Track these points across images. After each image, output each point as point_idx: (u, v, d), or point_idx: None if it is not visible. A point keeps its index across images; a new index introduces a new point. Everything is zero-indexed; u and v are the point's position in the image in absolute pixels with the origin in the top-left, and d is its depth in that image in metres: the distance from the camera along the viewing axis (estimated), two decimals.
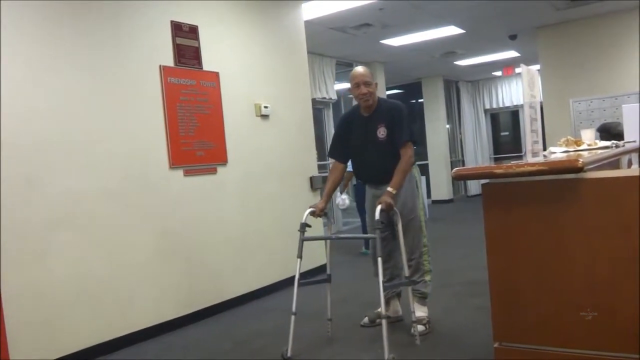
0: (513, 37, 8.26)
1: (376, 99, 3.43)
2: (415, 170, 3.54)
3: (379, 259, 3.05)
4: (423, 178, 9.73)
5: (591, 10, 7.11)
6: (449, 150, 11.86)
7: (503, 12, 6.84)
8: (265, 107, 4.98)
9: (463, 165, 12.28)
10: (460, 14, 6.77)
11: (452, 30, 7.54)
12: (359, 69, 3.46)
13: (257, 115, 4.93)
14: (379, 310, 3.59)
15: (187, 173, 4.22)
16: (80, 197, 3.51)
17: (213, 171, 4.44)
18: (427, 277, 3.52)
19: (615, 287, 1.93)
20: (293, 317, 3.14)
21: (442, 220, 9.13)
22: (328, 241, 3.58)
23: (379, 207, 3.15)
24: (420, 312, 3.47)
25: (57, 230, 3.37)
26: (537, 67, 7.92)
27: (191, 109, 4.27)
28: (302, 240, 3.25)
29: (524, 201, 2.10)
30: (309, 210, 3.34)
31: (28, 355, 3.17)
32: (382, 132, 3.37)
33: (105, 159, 3.67)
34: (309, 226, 3.28)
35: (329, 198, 3.47)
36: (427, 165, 11.75)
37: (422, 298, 3.52)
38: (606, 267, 1.94)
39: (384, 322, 2.95)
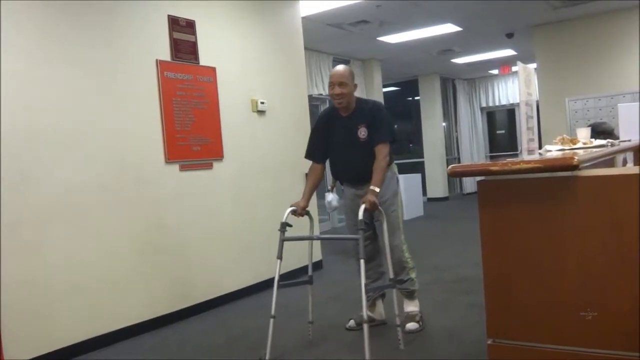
0: (510, 36, 8.27)
1: (353, 99, 3.34)
2: (395, 169, 3.48)
3: (362, 261, 2.94)
4: (419, 175, 9.81)
5: (588, 9, 7.13)
6: (445, 148, 11.88)
7: (500, 10, 6.85)
8: (262, 102, 4.97)
9: (459, 163, 12.31)
10: (457, 11, 6.78)
11: (449, 28, 7.54)
12: (338, 68, 3.35)
13: (253, 111, 4.93)
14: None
15: (183, 168, 4.21)
16: (75, 190, 3.50)
17: (209, 166, 4.44)
18: (413, 274, 3.44)
19: (609, 284, 1.94)
20: (272, 320, 3.03)
21: (437, 218, 9.15)
22: (311, 241, 3.44)
23: (362, 207, 3.04)
24: (412, 306, 3.43)
25: (52, 223, 3.37)
26: (534, 65, 7.94)
27: (187, 103, 4.26)
28: (283, 240, 3.13)
29: (519, 198, 2.10)
30: (289, 209, 3.25)
31: (22, 347, 3.16)
32: (363, 133, 3.29)
33: (100, 153, 3.66)
34: (290, 225, 3.17)
35: (309, 197, 3.37)
36: (422, 162, 11.77)
37: (411, 294, 3.47)
38: (600, 265, 1.95)
39: (365, 326, 2.84)
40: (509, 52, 9.67)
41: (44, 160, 3.35)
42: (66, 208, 3.45)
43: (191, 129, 4.28)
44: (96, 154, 3.64)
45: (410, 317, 3.35)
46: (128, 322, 3.75)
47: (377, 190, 3.14)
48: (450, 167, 2.22)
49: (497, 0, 6.37)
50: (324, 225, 8.42)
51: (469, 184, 12.17)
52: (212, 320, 4.07)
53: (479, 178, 2.22)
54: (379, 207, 3.14)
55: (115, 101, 3.78)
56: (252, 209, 4.84)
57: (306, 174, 5.45)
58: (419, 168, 11.58)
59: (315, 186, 3.48)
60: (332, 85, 3.28)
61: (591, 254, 1.96)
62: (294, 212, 3.26)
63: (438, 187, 11.67)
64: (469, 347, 3.06)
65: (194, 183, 4.30)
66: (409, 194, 9.10)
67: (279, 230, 3.14)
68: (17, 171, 3.22)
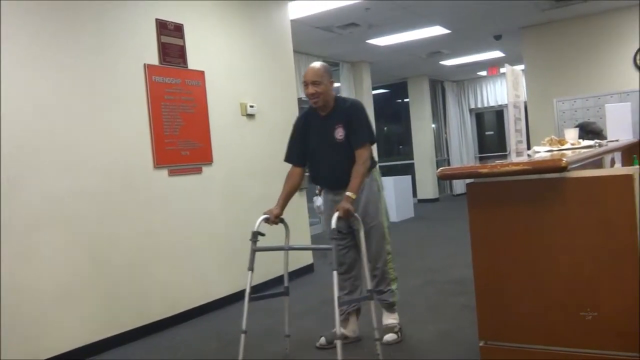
0: (498, 38, 8.32)
1: (330, 98, 3.17)
2: (377, 173, 3.30)
3: (334, 273, 2.75)
4: (409, 177, 9.82)
5: (575, 11, 7.19)
6: (434, 149, 11.91)
7: (488, 12, 6.89)
8: (251, 106, 4.96)
9: (448, 164, 12.35)
10: (445, 14, 6.81)
11: (437, 31, 7.57)
12: (312, 66, 3.17)
13: (242, 115, 4.91)
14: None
15: (172, 173, 4.19)
16: (63, 197, 3.46)
17: (198, 171, 4.42)
18: (394, 286, 3.30)
19: (600, 284, 1.95)
20: (243, 335, 2.84)
21: (428, 219, 9.17)
22: (287, 252, 3.18)
23: (336, 215, 2.86)
24: (391, 319, 3.31)
25: (40, 231, 3.33)
26: (522, 67, 7.99)
27: (176, 108, 4.23)
28: (254, 250, 2.92)
29: (508, 200, 2.11)
30: (262, 217, 3.04)
31: (12, 356, 3.11)
32: (340, 133, 3.13)
33: (88, 159, 3.63)
34: (262, 234, 2.96)
35: (284, 204, 3.17)
36: (412, 164, 11.79)
37: (391, 306, 3.34)
38: (589, 265, 1.96)
39: (338, 343, 2.68)
40: (497, 54, 9.73)
41: (31, 167, 3.31)
42: (54, 215, 3.41)
43: (180, 133, 4.25)
44: (84, 160, 3.60)
45: (389, 329, 3.22)
46: (119, 330, 3.71)
47: (353, 197, 2.97)
48: (439, 170, 2.22)
49: (485, 2, 6.40)
50: (315, 228, 8.39)
51: (459, 185, 12.20)
52: (204, 326, 4.04)
53: (468, 180, 2.23)
54: (355, 214, 2.97)
55: (103, 106, 3.75)
56: (242, 213, 4.82)
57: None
58: (409, 170, 11.60)
59: (292, 193, 3.27)
60: (305, 84, 3.14)
61: (581, 255, 1.97)
62: (267, 220, 3.08)
63: (428, 188, 11.70)
64: (462, 349, 3.06)
65: (183, 188, 4.27)
66: (399, 196, 9.11)
67: (250, 240, 2.95)
68: (5, 178, 3.18)
